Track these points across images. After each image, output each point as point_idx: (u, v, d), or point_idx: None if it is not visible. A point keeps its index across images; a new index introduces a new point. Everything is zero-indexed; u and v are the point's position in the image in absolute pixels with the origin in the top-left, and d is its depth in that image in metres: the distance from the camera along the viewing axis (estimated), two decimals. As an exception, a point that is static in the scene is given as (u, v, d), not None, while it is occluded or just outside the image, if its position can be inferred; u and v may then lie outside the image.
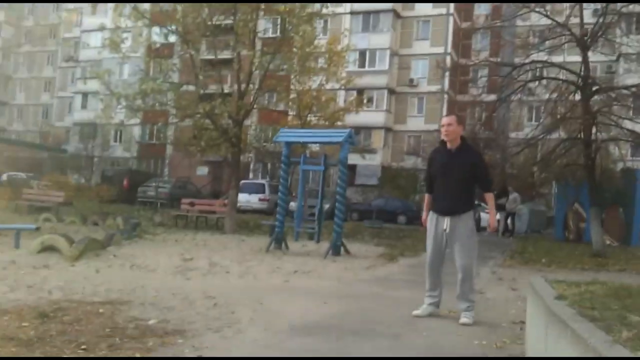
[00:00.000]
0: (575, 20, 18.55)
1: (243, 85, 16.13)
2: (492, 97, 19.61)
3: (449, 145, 5.29)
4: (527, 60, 18.42)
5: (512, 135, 24.39)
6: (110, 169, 34.07)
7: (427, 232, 5.41)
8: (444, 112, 33.91)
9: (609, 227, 19.85)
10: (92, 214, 15.99)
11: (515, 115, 20.83)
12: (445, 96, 32.57)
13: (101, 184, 29.11)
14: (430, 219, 5.37)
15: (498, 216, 21.74)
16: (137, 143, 41.45)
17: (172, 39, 18.49)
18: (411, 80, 34.99)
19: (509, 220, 21.44)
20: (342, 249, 11.02)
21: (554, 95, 18.20)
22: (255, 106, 17.67)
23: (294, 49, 17.05)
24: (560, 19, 18.77)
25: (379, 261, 10.43)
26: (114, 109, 21.92)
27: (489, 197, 5.46)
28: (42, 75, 51.35)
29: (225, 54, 18.31)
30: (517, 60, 19.32)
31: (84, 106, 44.19)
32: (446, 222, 5.19)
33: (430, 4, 34.81)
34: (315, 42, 18.25)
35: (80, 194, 26.71)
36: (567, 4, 20.44)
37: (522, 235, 22.19)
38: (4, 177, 34.52)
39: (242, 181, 26.60)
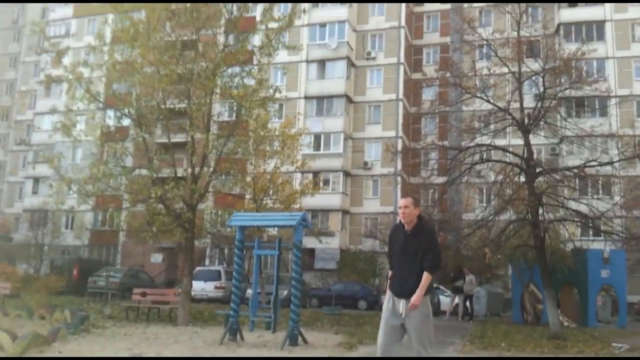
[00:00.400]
0: (516, 105, 19.64)
1: (197, 169, 16.04)
2: (442, 179, 20.10)
3: (406, 227, 5.35)
4: (472, 144, 19.17)
5: (465, 216, 24.88)
6: (60, 258, 32.75)
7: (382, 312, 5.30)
8: (398, 195, 34.55)
9: (565, 307, 20.04)
10: (39, 306, 15.17)
11: (465, 196, 21.31)
12: (399, 178, 33.28)
13: (50, 274, 27.89)
14: (387, 299, 5.29)
15: (457, 299, 21.70)
16: (89, 230, 40.19)
17: (126, 122, 18.48)
18: (365, 163, 35.73)
19: (467, 303, 21.36)
20: (299, 338, 10.64)
21: (500, 177, 18.86)
22: (210, 190, 17.51)
23: (249, 132, 17.22)
24: (502, 104, 19.85)
25: (337, 350, 10.12)
26: (65, 195, 21.41)
27: (426, 276, 5.21)
28: (-9, 159, 50.08)
29: (180, 138, 18.32)
30: (463, 143, 20.09)
31: (34, 192, 42.96)
32: (402, 304, 5.06)
33: (381, 90, 36.30)
34: (270, 125, 18.56)
35: (28, 285, 25.47)
36: (509, 90, 21.72)
37: (481, 318, 22.09)
38: (-56, 266, 32.58)
39: (197, 268, 25.85)
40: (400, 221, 5.44)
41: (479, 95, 19.62)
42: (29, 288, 24.86)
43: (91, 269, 27.57)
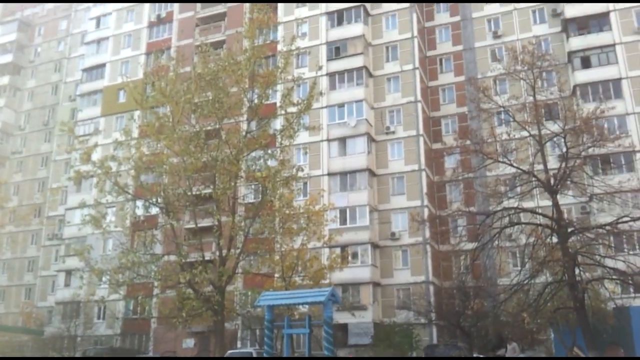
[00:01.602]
0: (540, 166, 19.60)
1: (224, 251, 16.20)
2: (472, 245, 19.82)
3: None
4: (499, 208, 19.04)
5: (499, 281, 24.27)
6: (92, 349, 32.57)
7: None
8: (429, 263, 34.04)
9: (613, 369, 18.98)
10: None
11: (498, 261, 20.91)
12: (428, 247, 32.84)
13: (82, 366, 27.66)
14: None
15: (500, 368, 20.78)
16: (120, 319, 40.15)
17: (154, 211, 18.96)
18: (393, 234, 35.48)
19: (511, 372, 20.38)
20: None
21: (532, 239, 18.54)
22: (238, 271, 17.57)
23: (274, 212, 17.46)
24: (526, 167, 19.85)
25: None
26: (96, 285, 21.64)
27: None
28: (25, 254, 51.12)
29: (207, 222, 18.63)
30: (490, 208, 19.96)
31: (66, 284, 43.39)
32: None
33: (403, 162, 36.67)
34: (295, 203, 18.82)
35: (60, 378, 25.27)
36: (531, 152, 21.75)
37: (526, 387, 20.98)
38: (-19, 366, 32.73)
39: (229, 351, 25.38)
40: None
41: (501, 159, 19.71)
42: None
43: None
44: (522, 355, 21.79)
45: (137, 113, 22.43)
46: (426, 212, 33.16)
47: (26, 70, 56.95)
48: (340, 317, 28.80)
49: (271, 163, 17.32)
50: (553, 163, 21.19)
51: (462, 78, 38.53)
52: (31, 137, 54.29)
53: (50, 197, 49.43)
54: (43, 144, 53.63)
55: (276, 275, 22.26)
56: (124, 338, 39.61)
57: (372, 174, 36.79)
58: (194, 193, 17.00)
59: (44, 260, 48.97)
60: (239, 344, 33.57)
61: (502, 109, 20.21)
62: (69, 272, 42.65)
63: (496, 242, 18.93)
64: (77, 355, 34.72)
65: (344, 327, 31.62)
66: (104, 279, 16.53)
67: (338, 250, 30.14)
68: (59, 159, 50.53)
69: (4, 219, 47.72)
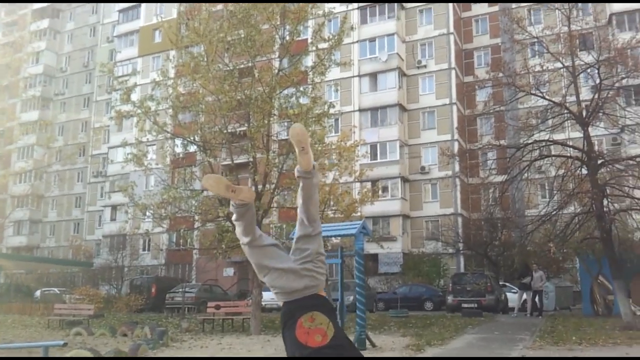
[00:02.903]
0: (572, 98, 19.48)
1: (260, 186, 16.96)
2: (502, 178, 20.15)
3: None
4: (530, 141, 19.19)
5: (527, 213, 24.65)
6: (139, 278, 34.68)
7: None
8: (458, 196, 34.50)
9: (636, 297, 19.53)
10: (121, 324, 16.29)
11: (527, 193, 21.25)
12: (457, 180, 33.27)
13: (130, 294, 29.64)
14: None
15: (524, 296, 21.62)
16: (164, 250, 42.39)
17: (192, 148, 19.79)
18: (423, 168, 35.93)
19: (536, 299, 21.19)
20: (367, 342, 10.81)
21: (562, 171, 18.77)
22: (273, 205, 18.40)
23: (307, 149, 18.00)
24: (558, 99, 19.75)
25: (405, 353, 10.25)
26: (141, 219, 22.95)
27: None
28: (72, 191, 53.71)
29: (242, 159, 19.40)
30: (521, 141, 20.10)
31: (112, 219, 45.79)
32: None
33: (434, 96, 36.52)
34: (327, 140, 19.33)
35: (110, 305, 27.25)
36: (564, 84, 21.54)
37: (551, 313, 21.82)
38: (38, 293, 35.39)
39: (266, 279, 26.81)
40: None
41: (533, 92, 19.63)
42: (112, 308, 26.69)
43: (168, 286, 29.08)
44: (546, 283, 22.51)
45: (172, 53, 22.95)
46: (456, 146, 33.35)
47: (64, 13, 57.66)
48: (371, 248, 29.94)
49: (303, 100, 17.69)
50: (586, 95, 20.93)
51: (495, 8, 37.48)
52: (72, 78, 55.70)
53: (94, 137, 51.28)
54: (84, 85, 55.05)
55: (309, 208, 23.13)
56: (169, 268, 42.03)
57: (402, 109, 36.87)
58: (229, 131, 17.60)
59: (90, 196, 51.43)
60: (275, 273, 35.25)
61: (535, 40, 19.90)
62: (114, 207, 44.91)
63: (526, 174, 19.19)
64: (125, 283, 36.99)
65: (374, 257, 32.88)
66: (147, 213, 17.48)
67: (369, 185, 30.85)
68: (100, 100, 51.98)
69: (51, 158, 49.94)
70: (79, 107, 54.87)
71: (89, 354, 8.92)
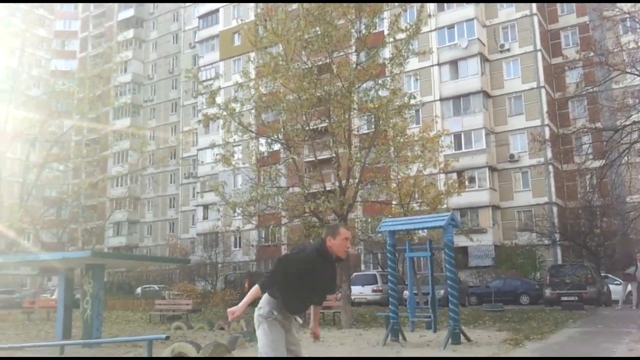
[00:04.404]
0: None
1: (344, 181, 17.02)
2: (599, 163, 19.04)
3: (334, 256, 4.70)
4: (628, 122, 17.97)
5: (629, 199, 23.11)
6: (232, 274, 35.91)
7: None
8: (552, 184, 32.86)
9: None
10: (218, 318, 16.90)
11: (628, 178, 19.91)
12: (550, 167, 31.67)
13: (225, 289, 30.78)
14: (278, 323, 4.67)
15: (629, 287, 20.27)
16: (255, 246, 43.68)
17: (276, 147, 20.19)
18: (512, 156, 34.55)
19: (642, 290, 19.80)
20: (461, 336, 10.50)
21: (665, 152, 17.47)
22: (358, 199, 18.41)
23: (389, 141, 17.86)
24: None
25: (502, 347, 9.89)
26: (231, 217, 23.74)
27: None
28: (166, 193, 56.61)
29: (325, 154, 19.55)
30: (618, 123, 18.87)
31: (205, 217, 47.80)
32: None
33: (520, 80, 34.99)
34: (409, 131, 19.05)
35: (207, 299, 28.44)
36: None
37: (660, 305, 20.28)
38: (139, 290, 37.64)
39: (354, 274, 26.96)
40: (323, 249, 4.63)
41: (629, 70, 18.40)
42: (208, 302, 27.82)
43: (260, 281, 29.88)
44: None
45: (252, 54, 23.54)
46: (547, 131, 31.81)
47: (148, 23, 60.73)
48: (460, 241, 29.19)
49: (382, 93, 17.53)
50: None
51: (583, -16, 35.26)
52: (159, 85, 58.64)
53: (183, 140, 53.72)
54: (171, 90, 57.78)
55: (394, 202, 23.00)
56: (259, 263, 43.29)
57: (486, 95, 35.66)
58: (311, 127, 17.78)
59: (183, 197, 53.99)
60: (362, 267, 35.37)
61: (627, 15, 18.61)
62: (206, 207, 46.85)
63: (625, 158, 18.05)
64: (220, 279, 38.43)
65: (464, 250, 32.07)
66: (237, 211, 18.04)
67: (455, 176, 30.10)
68: (186, 104, 54.39)
69: (145, 161, 52.83)
70: (167, 112, 57.68)
71: (190, 347, 9.27)
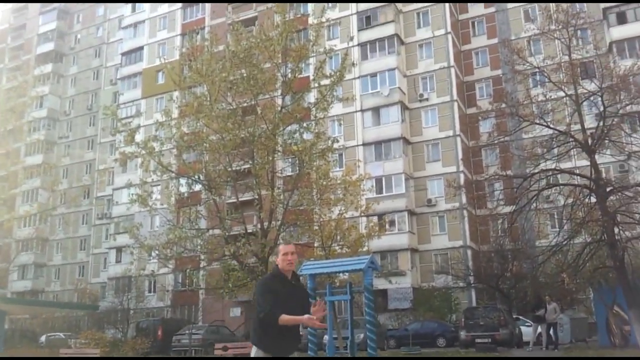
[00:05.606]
0: (577, 126, 19.42)
1: (266, 223, 16.84)
2: (510, 208, 19.94)
3: (287, 275, 5.03)
4: (537, 170, 19.05)
5: (538, 243, 24.29)
6: (145, 321, 34.13)
7: None
8: (466, 228, 34.14)
9: (655, 327, 19.00)
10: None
11: (536, 223, 20.98)
12: (465, 212, 32.97)
13: (136, 337, 29.13)
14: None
15: (539, 329, 21.09)
16: (170, 291, 41.92)
17: (197, 187, 19.75)
18: (429, 201, 35.71)
19: (551, 332, 20.65)
20: None
21: (570, 200, 18.56)
22: (279, 242, 18.22)
23: (312, 184, 17.96)
24: (562, 127, 19.69)
25: None
26: (146, 260, 22.75)
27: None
28: (77, 234, 53.56)
29: (247, 196, 19.32)
30: (527, 170, 19.97)
31: (117, 260, 45.46)
32: None
33: (437, 129, 36.63)
34: (331, 174, 19.28)
35: (116, 348, 26.74)
36: (567, 113, 21.51)
37: (567, 346, 21.23)
38: (43, 338, 34.88)
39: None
40: (277, 270, 5.00)
41: (537, 121, 19.61)
42: (117, 351, 26.17)
43: (175, 329, 28.53)
44: (560, 315, 21.98)
45: (175, 94, 23.26)
46: (462, 177, 33.21)
47: (68, 57, 58.67)
48: (380, 284, 29.47)
49: (307, 136, 17.74)
50: (590, 122, 20.89)
51: (495, 40, 37.97)
52: (76, 121, 56.30)
53: (98, 179, 51.47)
54: (88, 127, 55.56)
55: (316, 244, 22.96)
56: (175, 309, 41.47)
57: (406, 142, 36.91)
58: (234, 169, 17.63)
59: (95, 238, 51.24)
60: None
61: (537, 69, 20.01)
62: (119, 249, 44.61)
63: (534, 204, 18.98)
64: (131, 326, 36.48)
65: (383, 293, 32.35)
66: (153, 254, 17.37)
67: (375, 219, 30.60)
68: (104, 142, 52.36)
69: (56, 201, 49.97)
70: (83, 149, 55.22)
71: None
